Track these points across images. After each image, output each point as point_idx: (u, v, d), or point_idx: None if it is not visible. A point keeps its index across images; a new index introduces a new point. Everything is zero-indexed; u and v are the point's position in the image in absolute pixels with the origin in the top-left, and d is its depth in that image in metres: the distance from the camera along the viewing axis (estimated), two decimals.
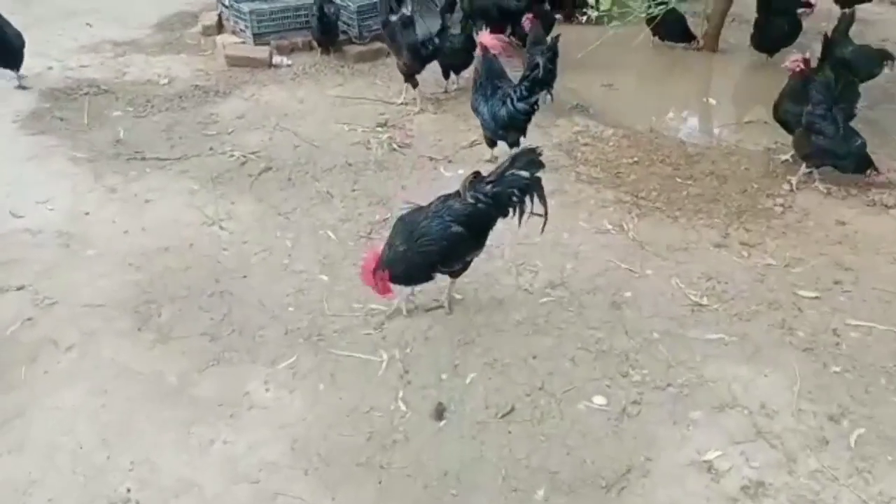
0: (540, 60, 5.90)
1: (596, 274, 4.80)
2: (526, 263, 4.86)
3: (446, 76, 7.32)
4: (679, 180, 6.00)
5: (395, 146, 6.27)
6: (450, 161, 6.12)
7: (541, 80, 5.87)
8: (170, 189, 5.48)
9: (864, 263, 4.94)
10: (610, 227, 5.31)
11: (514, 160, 4.11)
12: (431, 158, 6.13)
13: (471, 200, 4.01)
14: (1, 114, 6.44)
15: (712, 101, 7.69)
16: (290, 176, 5.74)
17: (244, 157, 5.96)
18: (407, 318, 4.31)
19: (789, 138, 6.19)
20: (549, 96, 6.79)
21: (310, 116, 6.75)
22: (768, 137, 6.82)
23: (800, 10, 8.39)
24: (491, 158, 6.05)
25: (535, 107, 5.85)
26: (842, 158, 5.72)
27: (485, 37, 5.86)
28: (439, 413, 3.69)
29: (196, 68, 7.67)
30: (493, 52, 5.84)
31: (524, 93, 5.72)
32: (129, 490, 3.19)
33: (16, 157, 5.76)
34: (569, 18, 8.94)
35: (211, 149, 6.09)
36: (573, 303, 4.51)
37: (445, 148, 6.30)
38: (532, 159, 4.13)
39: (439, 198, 4.10)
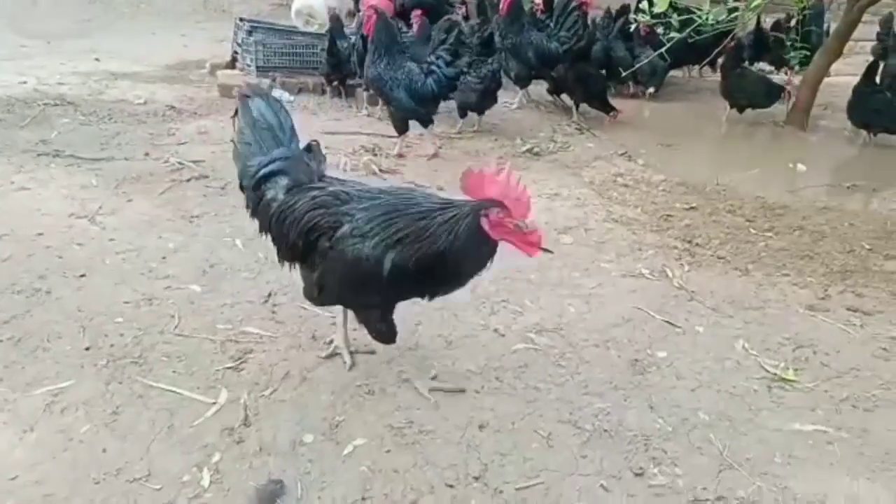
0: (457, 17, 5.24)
1: (613, 323, 3.07)
2: (508, 301, 3.20)
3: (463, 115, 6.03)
4: (754, 231, 4.30)
5: (375, 170, 4.87)
6: (441, 189, 4.63)
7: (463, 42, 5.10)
8: (59, 181, 4.21)
9: None
10: (646, 271, 3.61)
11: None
12: (417, 186, 4.66)
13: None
14: None
15: (801, 167, 5.99)
16: (226, 185, 4.38)
17: (180, 163, 4.68)
18: (288, 348, 2.69)
19: None
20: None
21: None
22: (880, 202, 5.08)
23: None
24: (400, 151, 5.18)
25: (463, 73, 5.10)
26: None
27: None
28: (267, 498, 1.96)
29: (183, 95, 6.68)
30: (386, 12, 5.01)
31: (448, 57, 4.87)
32: None
33: None
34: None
35: (146, 154, 4.86)
36: (569, 357, 2.79)
37: (440, 177, 4.84)
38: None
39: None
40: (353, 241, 2.18)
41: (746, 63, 7.97)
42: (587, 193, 4.70)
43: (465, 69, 5.03)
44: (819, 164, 6.12)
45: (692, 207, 4.59)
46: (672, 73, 8.62)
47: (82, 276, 3.12)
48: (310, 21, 7.74)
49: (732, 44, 6.89)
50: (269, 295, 3.10)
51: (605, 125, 6.65)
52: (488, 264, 2.19)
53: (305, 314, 2.96)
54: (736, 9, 4.74)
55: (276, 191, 2.40)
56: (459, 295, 3.19)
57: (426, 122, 5.14)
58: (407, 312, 3.01)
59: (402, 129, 5.14)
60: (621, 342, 2.92)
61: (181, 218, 3.83)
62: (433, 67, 4.89)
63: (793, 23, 8.23)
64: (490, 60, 5.96)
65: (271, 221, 2.38)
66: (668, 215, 4.40)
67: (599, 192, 4.75)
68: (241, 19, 7.68)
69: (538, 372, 2.67)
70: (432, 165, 5.11)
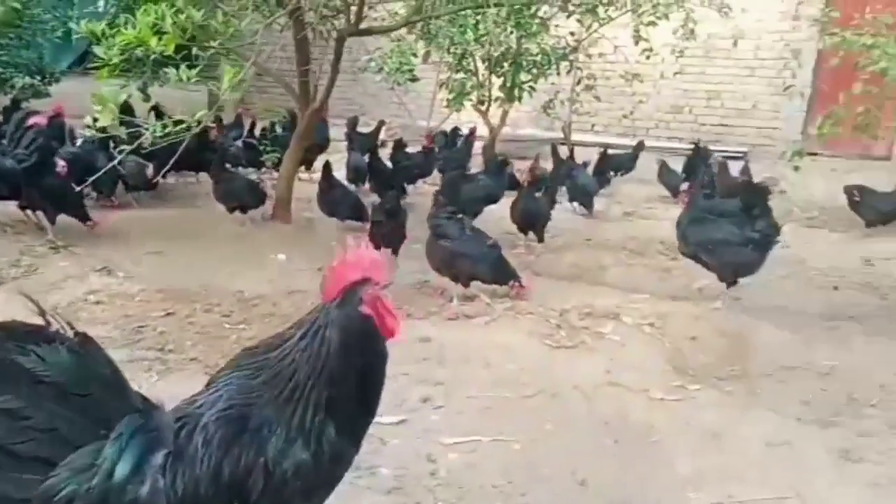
0: None
1: None
2: None
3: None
4: (228, 326, 4.56)
5: None
6: None
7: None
8: None
9: (454, 375, 3.94)
10: None
11: None
12: None
13: None
14: None
15: (282, 256, 6.63)
16: None
17: None
18: None
19: None
20: None
21: None
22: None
23: None
24: None
25: None
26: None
27: None
28: None
29: None
30: None
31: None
32: None
33: None
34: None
35: None
36: None
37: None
38: None
39: None
40: None
41: (230, 166, 8.54)
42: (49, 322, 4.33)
43: None
44: (299, 252, 6.86)
45: (169, 314, 4.64)
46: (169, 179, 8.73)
47: None
48: None
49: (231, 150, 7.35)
50: None
51: (87, 240, 6.30)
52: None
53: None
54: (181, 121, 5.01)
55: None
56: None
57: None
58: None
59: None
60: None
61: None
62: None
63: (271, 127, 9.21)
64: None
65: None
66: (141, 326, 4.36)
67: (64, 317, 4.40)
68: None
69: None
70: None
